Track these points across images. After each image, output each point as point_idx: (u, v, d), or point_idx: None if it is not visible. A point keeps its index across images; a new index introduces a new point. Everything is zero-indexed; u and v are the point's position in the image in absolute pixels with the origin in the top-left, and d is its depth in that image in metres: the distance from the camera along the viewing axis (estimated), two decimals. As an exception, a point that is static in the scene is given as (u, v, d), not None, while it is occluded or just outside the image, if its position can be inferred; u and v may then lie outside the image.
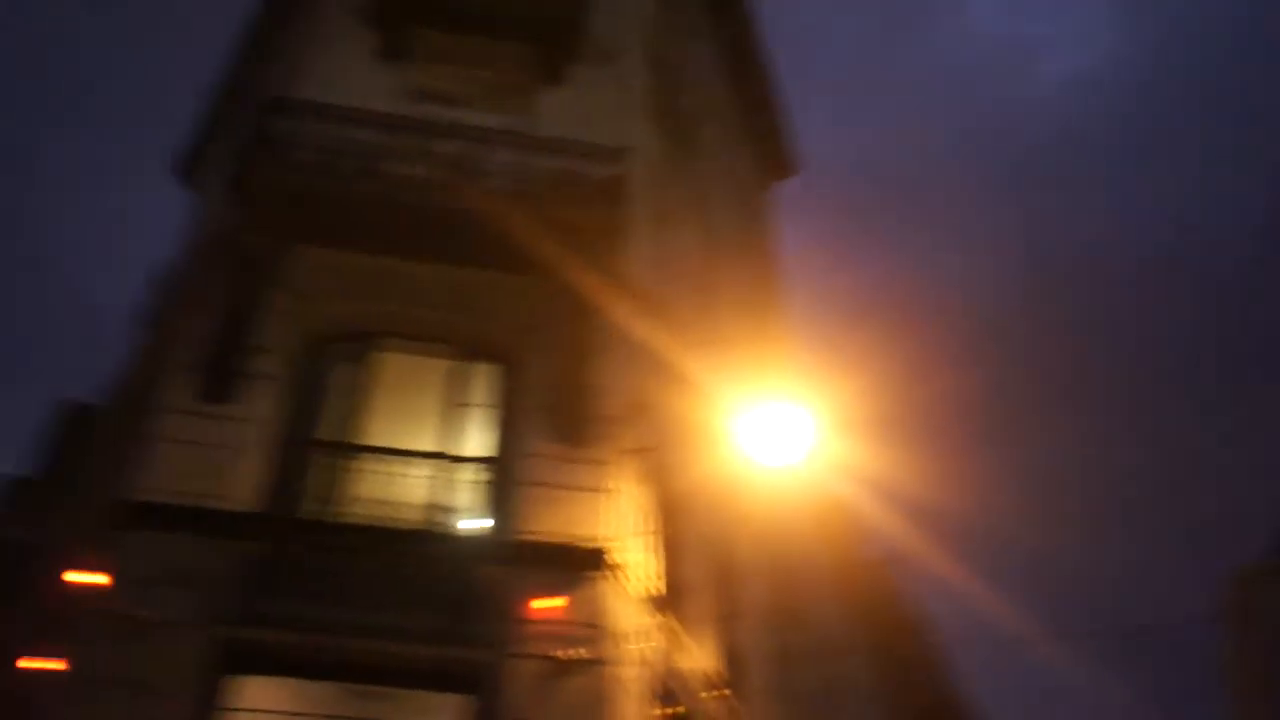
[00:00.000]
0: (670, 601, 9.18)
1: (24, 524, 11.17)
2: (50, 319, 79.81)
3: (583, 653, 7.47)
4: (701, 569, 10.38)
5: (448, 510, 8.45)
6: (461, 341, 9.51)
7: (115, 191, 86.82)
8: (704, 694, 9.60)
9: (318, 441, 8.72)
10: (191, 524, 7.66)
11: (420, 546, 8.02)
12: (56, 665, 7.24)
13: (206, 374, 8.46)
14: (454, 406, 9.11)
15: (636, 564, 8.53)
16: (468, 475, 8.70)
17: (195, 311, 8.97)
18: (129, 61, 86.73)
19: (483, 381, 9.41)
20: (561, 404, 8.85)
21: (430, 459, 8.67)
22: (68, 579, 7.60)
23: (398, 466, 8.53)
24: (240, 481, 8.07)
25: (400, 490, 8.43)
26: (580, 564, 7.98)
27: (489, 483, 8.69)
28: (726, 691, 10.19)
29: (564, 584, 7.79)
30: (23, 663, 7.78)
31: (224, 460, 8.09)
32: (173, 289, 10.89)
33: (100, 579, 7.40)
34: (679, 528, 9.97)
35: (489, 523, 8.42)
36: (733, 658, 10.81)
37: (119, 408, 10.47)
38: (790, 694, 12.81)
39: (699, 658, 9.66)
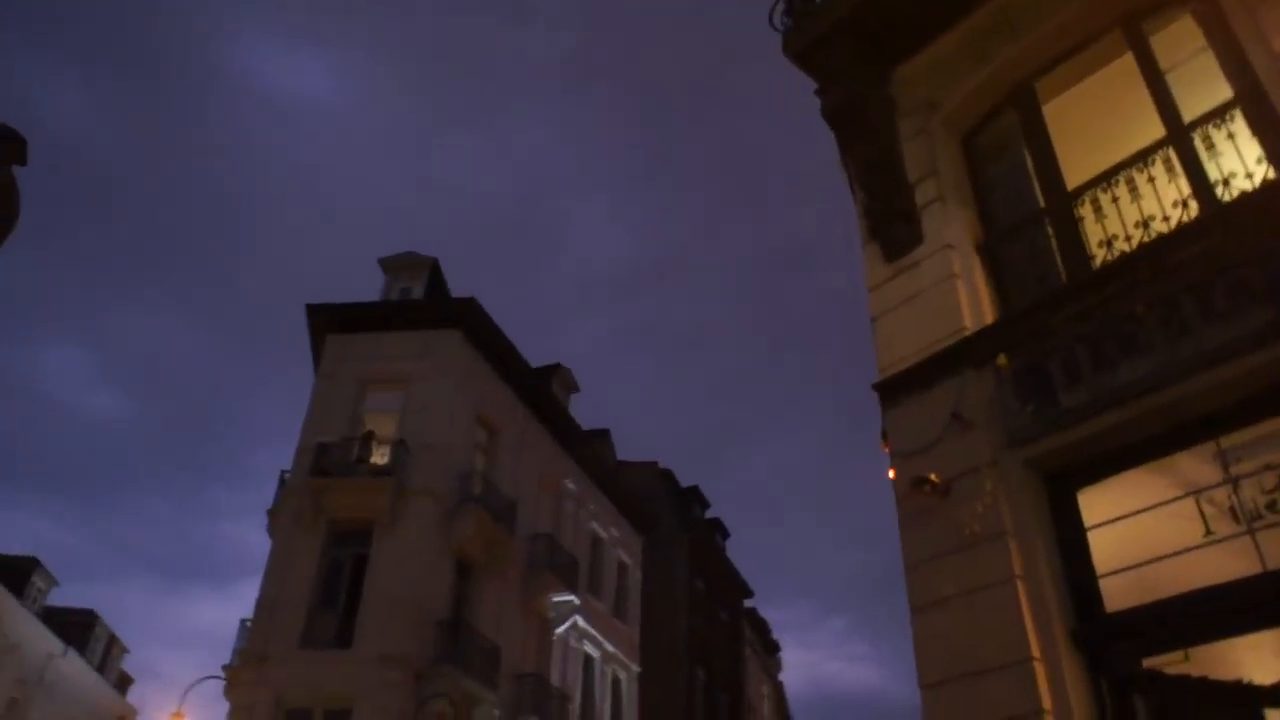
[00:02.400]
0: None
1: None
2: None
3: None
4: None
5: (1219, 183, 6.05)
6: (1121, 17, 7.19)
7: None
8: None
9: (1027, 219, 7.22)
10: (940, 371, 6.79)
11: (1204, 240, 5.78)
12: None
13: (882, 237, 7.78)
14: (1157, 82, 6.77)
15: None
16: (1219, 133, 6.20)
17: (856, 190, 8.47)
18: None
19: (1172, 36, 6.92)
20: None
21: (1164, 147, 6.42)
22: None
23: (1128, 182, 6.48)
24: (969, 306, 6.99)
25: (1148, 204, 6.34)
26: None
27: (1252, 121, 6.06)
28: None
29: None
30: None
31: (940, 298, 7.14)
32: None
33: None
34: None
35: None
36: None
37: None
38: None
39: None
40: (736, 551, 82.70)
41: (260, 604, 21.82)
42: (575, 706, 27.16)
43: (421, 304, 26.43)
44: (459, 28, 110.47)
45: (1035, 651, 5.57)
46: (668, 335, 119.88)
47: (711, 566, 40.86)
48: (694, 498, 41.99)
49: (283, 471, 24.28)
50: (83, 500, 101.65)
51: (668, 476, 41.01)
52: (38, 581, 30.97)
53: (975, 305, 6.98)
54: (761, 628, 47.24)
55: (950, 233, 7.38)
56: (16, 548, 32.38)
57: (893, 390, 7.06)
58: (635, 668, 31.91)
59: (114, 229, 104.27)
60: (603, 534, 31.70)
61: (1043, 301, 6.45)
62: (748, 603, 44.99)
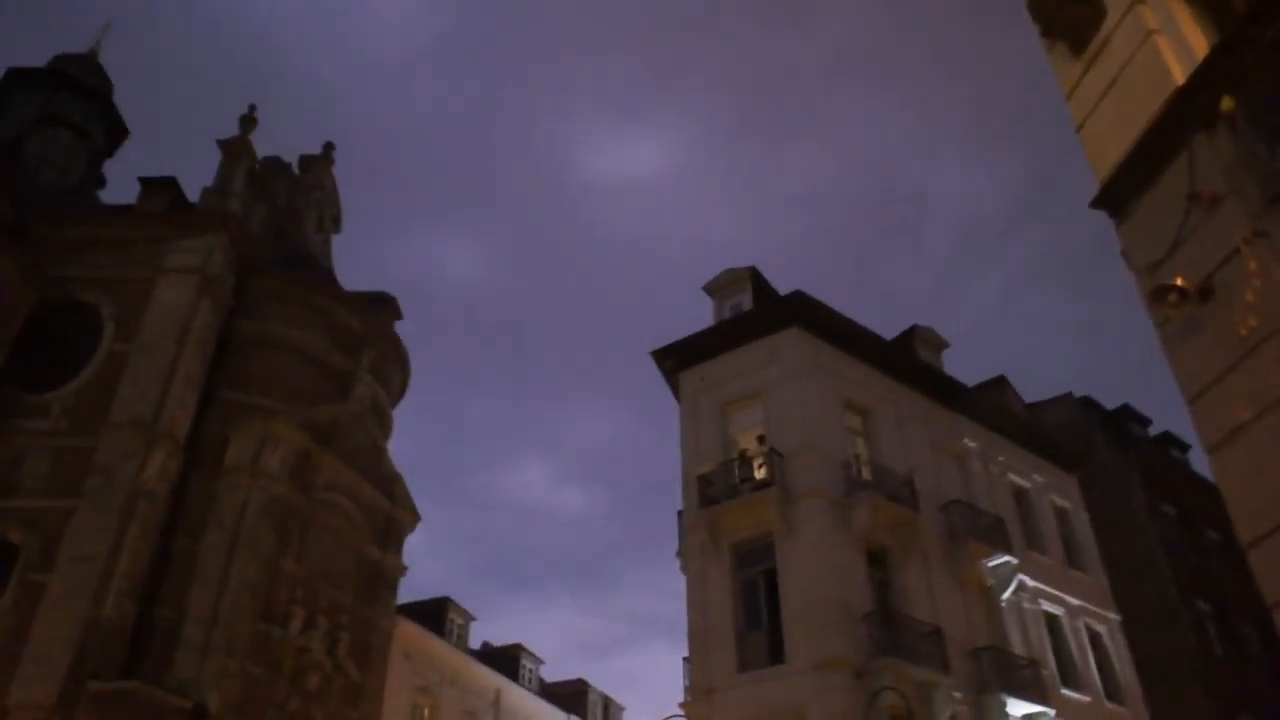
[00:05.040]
0: None
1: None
2: None
3: None
4: None
5: None
6: None
7: None
8: None
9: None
10: (1162, 149, 5.25)
11: None
12: None
13: (1060, 29, 6.30)
14: None
15: None
16: None
17: None
18: None
19: None
20: None
21: None
22: None
23: None
24: (1179, 59, 5.39)
25: None
26: None
27: None
28: None
29: None
30: None
31: (1143, 66, 5.58)
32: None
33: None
34: None
35: None
36: None
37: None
38: None
39: None
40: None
41: (692, 640, 22.58)
42: (1050, 672, 24.79)
43: (751, 314, 26.39)
44: (744, 51, 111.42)
45: (1378, 457, 3.96)
46: (1060, 266, 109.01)
47: (1176, 485, 35.79)
48: (1128, 417, 37.29)
49: (678, 511, 25.20)
50: (580, 587, 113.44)
51: (1089, 404, 36.91)
52: (526, 663, 34.92)
53: (1186, 54, 5.34)
54: (1270, 538, 40.25)
55: (1135, -16, 5.78)
56: (510, 639, 36.79)
57: (1115, 197, 5.57)
58: (1114, 616, 28.53)
59: (523, 345, 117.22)
60: (1025, 484, 29.04)
61: (1259, 6, 4.74)
62: (1240, 514, 38.69)
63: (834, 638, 20.66)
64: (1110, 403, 38.44)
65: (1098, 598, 28.53)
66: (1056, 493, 30.13)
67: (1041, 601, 26.35)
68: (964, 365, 43.59)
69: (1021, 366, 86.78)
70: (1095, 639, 27.62)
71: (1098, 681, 26.58)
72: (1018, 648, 24.31)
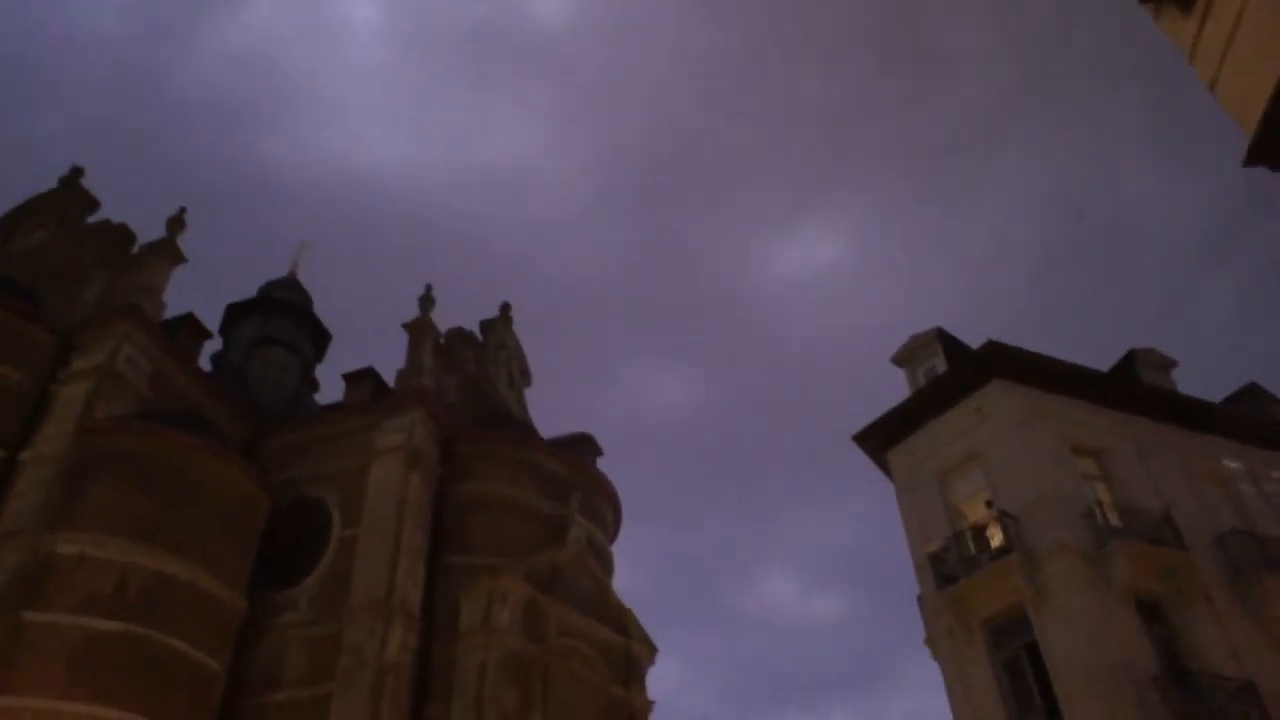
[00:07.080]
0: None
1: None
2: None
3: None
4: None
5: None
6: None
7: None
8: None
9: None
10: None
11: None
12: None
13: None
14: None
15: None
16: None
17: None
18: None
19: None
20: None
21: None
22: None
23: None
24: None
25: None
26: None
27: None
28: None
29: None
30: None
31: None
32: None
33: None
34: None
35: None
36: None
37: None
38: None
39: None
40: None
41: (962, 732, 20.76)
42: None
43: (945, 376, 25.06)
44: (897, 124, 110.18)
45: None
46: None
47: None
48: None
49: (917, 597, 23.66)
50: (856, 696, 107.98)
51: (1366, 392, 32.37)
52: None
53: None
54: None
55: (1233, -89, 5.11)
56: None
57: (1272, 147, 4.79)
58: None
59: (738, 458, 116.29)
60: (1312, 497, 25.50)
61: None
62: None
63: (1122, 709, 18.45)
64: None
65: None
66: (1356, 499, 26.25)
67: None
68: (1204, 381, 39.64)
69: (1274, 369, 77.90)
70: None
71: None
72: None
